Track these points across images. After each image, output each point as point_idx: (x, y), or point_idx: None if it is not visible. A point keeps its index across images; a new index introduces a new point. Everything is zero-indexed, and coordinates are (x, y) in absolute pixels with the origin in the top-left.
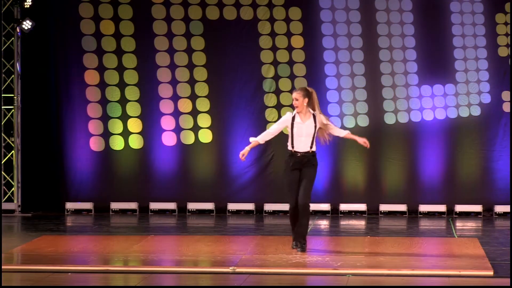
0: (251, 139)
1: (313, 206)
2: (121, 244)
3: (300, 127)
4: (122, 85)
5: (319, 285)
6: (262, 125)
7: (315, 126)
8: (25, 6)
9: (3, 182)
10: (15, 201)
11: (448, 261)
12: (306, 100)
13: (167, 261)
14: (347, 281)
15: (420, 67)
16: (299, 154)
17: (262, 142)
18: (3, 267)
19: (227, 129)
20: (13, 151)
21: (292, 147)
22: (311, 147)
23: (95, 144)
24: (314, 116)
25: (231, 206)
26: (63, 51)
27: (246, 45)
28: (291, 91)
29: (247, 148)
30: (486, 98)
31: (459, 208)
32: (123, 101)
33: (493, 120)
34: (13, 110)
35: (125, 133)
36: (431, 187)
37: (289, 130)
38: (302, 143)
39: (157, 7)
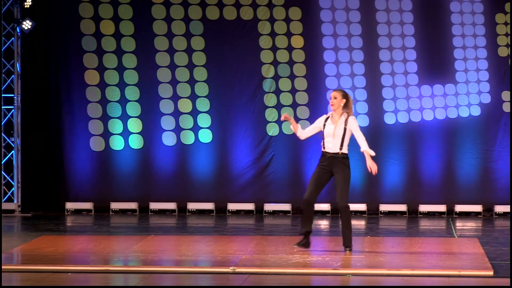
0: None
1: None
2: (121, 244)
3: (329, 128)
4: (122, 85)
5: (319, 285)
6: (262, 125)
7: (345, 129)
8: (25, 6)
9: (3, 182)
10: (15, 201)
11: (448, 261)
12: (344, 101)
13: (167, 261)
14: (347, 281)
15: (420, 67)
16: (328, 155)
17: (298, 134)
18: (3, 267)
19: (227, 129)
20: (13, 151)
21: (323, 147)
22: (340, 149)
23: (95, 144)
24: (347, 119)
25: (231, 206)
26: (63, 51)
27: (246, 45)
28: (291, 91)
29: (293, 120)
30: (486, 98)
31: (459, 208)
32: (123, 101)
33: (493, 120)
34: (13, 110)
35: (125, 133)
36: (431, 187)
37: (322, 130)
38: (330, 143)
39: (157, 7)
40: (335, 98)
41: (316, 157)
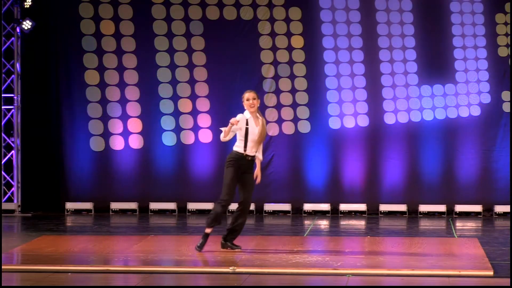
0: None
1: (313, 206)
2: (121, 244)
3: (253, 131)
4: (122, 85)
5: (319, 285)
6: None
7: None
8: (25, 6)
9: (3, 182)
10: (15, 201)
11: (448, 261)
12: (259, 102)
13: (167, 261)
14: (347, 281)
15: (420, 67)
16: (249, 158)
17: (223, 139)
18: (3, 267)
19: None
20: (13, 151)
21: (245, 150)
22: (256, 151)
23: (95, 144)
24: (263, 122)
25: (231, 206)
26: (63, 51)
27: (246, 45)
28: (291, 91)
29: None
30: (486, 98)
31: (459, 208)
32: (123, 101)
33: (493, 120)
34: (13, 110)
35: (125, 133)
36: (431, 187)
37: (243, 133)
38: (253, 147)
39: (157, 7)
40: (254, 99)
41: (317, 157)
